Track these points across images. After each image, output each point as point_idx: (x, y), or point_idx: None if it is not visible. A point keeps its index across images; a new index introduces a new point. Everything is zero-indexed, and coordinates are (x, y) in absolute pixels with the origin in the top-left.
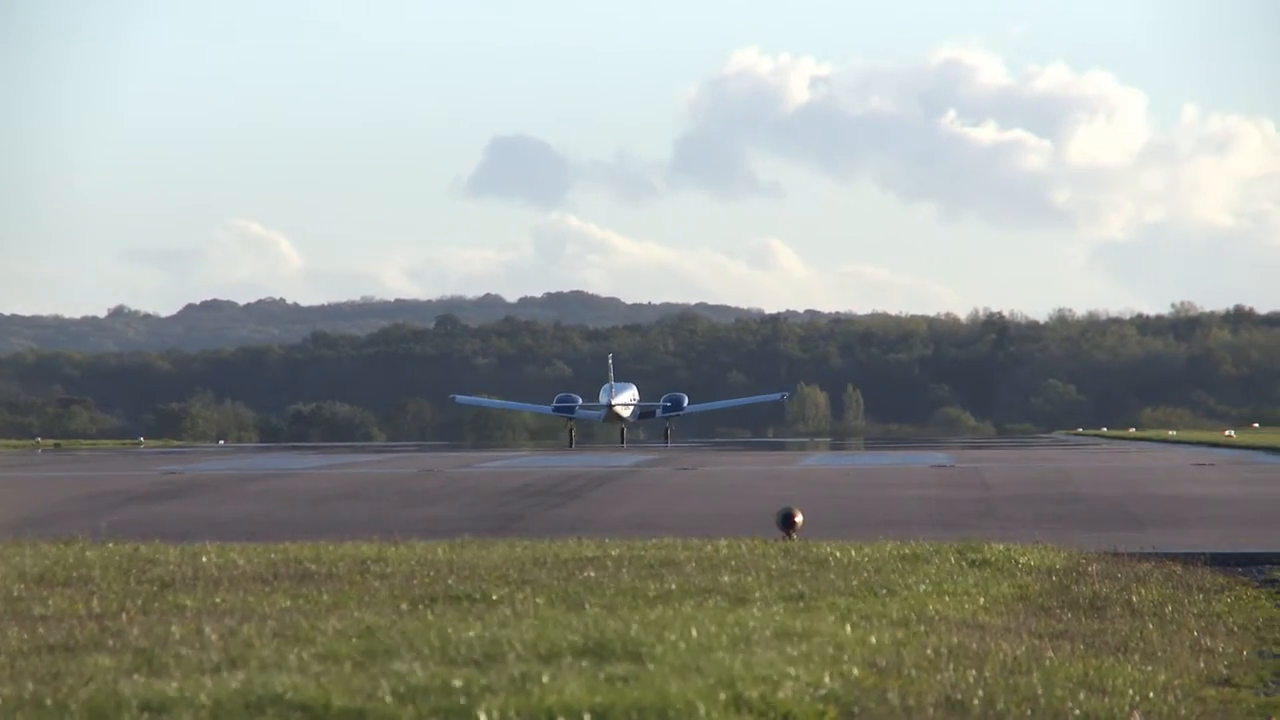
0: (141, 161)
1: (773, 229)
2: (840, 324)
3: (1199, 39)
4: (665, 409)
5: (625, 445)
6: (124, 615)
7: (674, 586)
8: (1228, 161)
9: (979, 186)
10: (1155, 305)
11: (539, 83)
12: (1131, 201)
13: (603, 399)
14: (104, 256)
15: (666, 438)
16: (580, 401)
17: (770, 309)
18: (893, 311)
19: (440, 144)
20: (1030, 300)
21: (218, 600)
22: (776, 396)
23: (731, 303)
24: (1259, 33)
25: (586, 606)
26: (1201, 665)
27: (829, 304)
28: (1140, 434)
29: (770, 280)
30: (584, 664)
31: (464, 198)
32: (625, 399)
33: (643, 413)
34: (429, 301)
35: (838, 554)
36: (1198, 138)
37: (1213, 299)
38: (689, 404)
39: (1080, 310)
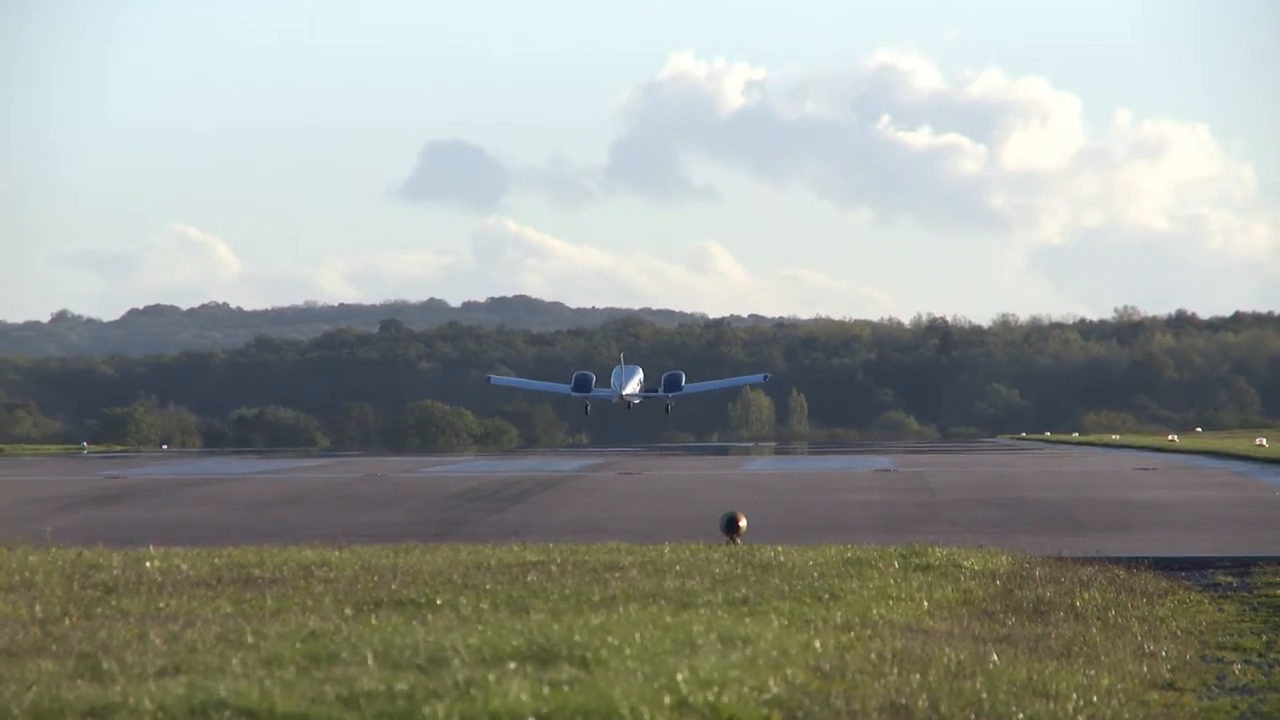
0: (78, 165)
1: (710, 233)
2: (784, 328)
3: (1131, 44)
4: (666, 388)
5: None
6: (67, 620)
7: (618, 591)
8: (1161, 166)
9: (914, 191)
10: (1095, 310)
11: (472, 87)
12: (1067, 206)
13: (614, 382)
14: (45, 261)
15: (667, 412)
16: (595, 379)
17: (712, 313)
18: (834, 316)
19: (374, 148)
20: (970, 304)
21: (161, 605)
22: (759, 379)
23: (673, 306)
24: (1190, 38)
25: (531, 611)
26: (1145, 669)
27: (768, 308)
28: (1083, 438)
29: (708, 284)
30: (529, 669)
31: (399, 202)
32: (633, 382)
33: (646, 393)
34: (372, 306)
35: (782, 558)
36: (1131, 143)
37: (1152, 303)
38: (686, 383)
39: (1022, 315)
